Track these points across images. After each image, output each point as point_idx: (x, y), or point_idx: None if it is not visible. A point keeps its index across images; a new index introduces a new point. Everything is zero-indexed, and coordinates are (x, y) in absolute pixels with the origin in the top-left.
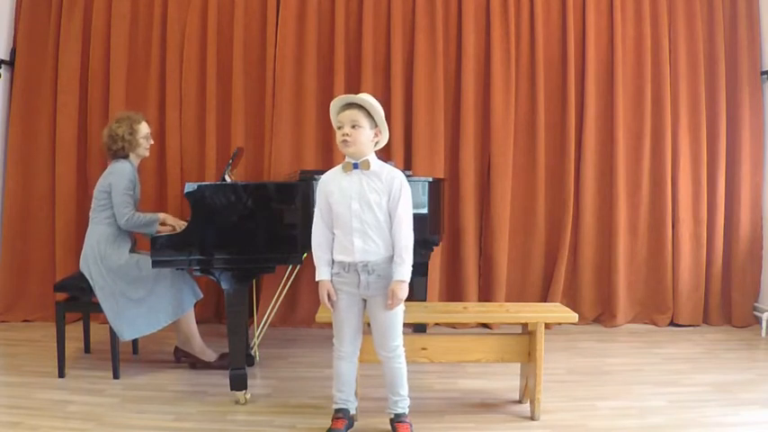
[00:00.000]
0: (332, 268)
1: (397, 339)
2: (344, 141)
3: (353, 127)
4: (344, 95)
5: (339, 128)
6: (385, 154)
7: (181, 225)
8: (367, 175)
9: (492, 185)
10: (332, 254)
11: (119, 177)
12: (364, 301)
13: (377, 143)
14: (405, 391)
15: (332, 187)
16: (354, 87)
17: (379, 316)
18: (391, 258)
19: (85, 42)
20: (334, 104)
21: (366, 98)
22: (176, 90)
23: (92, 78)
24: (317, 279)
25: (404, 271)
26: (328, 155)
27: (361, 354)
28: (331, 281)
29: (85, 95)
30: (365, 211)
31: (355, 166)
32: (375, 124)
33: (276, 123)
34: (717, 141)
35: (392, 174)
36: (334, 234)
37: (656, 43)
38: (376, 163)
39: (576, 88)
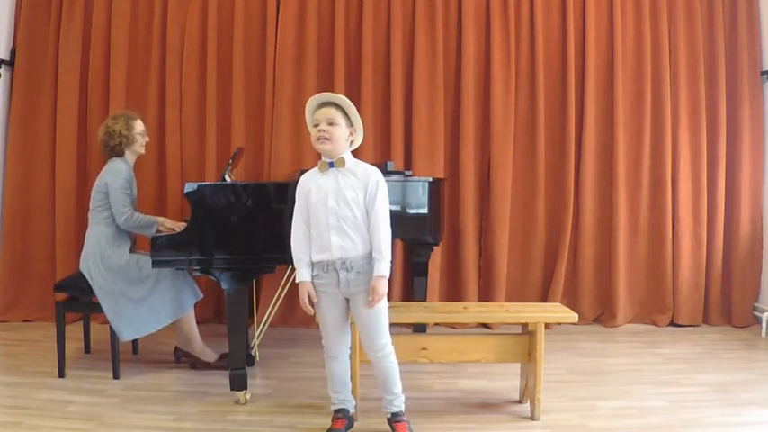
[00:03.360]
0: (312, 270)
1: (385, 337)
2: (320, 138)
3: (330, 124)
4: (320, 94)
5: (315, 125)
6: (385, 154)
7: (180, 227)
8: (342, 173)
9: (492, 185)
10: (310, 256)
11: (115, 176)
12: (347, 300)
13: (352, 142)
14: (398, 388)
15: (309, 186)
16: (354, 87)
17: (362, 315)
18: (369, 255)
19: (85, 42)
20: (310, 104)
21: (341, 97)
22: (176, 90)
23: (92, 78)
24: (297, 281)
25: (383, 266)
26: None
27: (360, 354)
28: (312, 283)
29: (85, 95)
30: (341, 207)
31: (331, 165)
32: (350, 123)
33: (276, 123)
34: (717, 141)
35: (368, 171)
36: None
37: (656, 43)
38: (351, 161)
39: (576, 88)
